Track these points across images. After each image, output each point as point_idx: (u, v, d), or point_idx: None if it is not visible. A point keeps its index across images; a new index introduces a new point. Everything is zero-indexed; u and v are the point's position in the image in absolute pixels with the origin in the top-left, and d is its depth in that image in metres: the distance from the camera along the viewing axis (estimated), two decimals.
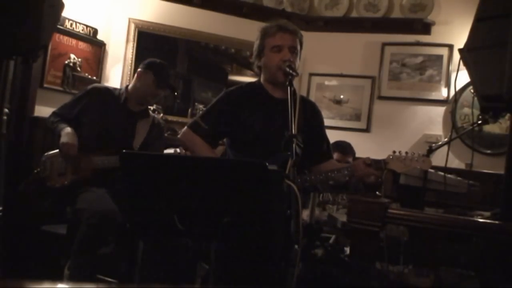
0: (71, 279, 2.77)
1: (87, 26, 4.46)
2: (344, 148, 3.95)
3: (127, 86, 3.34)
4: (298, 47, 2.59)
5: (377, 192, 2.94)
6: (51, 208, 3.09)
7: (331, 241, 3.43)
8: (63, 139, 2.99)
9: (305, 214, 3.17)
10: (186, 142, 2.70)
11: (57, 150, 3.06)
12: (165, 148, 3.37)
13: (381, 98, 5.05)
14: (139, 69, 3.29)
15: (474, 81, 2.69)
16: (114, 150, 3.01)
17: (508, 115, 3.44)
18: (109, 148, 3.06)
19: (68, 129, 3.04)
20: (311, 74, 5.26)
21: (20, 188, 3.08)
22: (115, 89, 3.36)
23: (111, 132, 3.16)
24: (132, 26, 4.80)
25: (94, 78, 4.51)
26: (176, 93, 3.66)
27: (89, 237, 2.76)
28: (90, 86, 3.35)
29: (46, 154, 3.07)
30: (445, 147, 3.38)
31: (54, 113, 3.20)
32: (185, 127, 2.69)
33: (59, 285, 0.64)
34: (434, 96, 4.84)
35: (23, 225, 3.41)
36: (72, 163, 3.02)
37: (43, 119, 3.40)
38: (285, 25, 2.58)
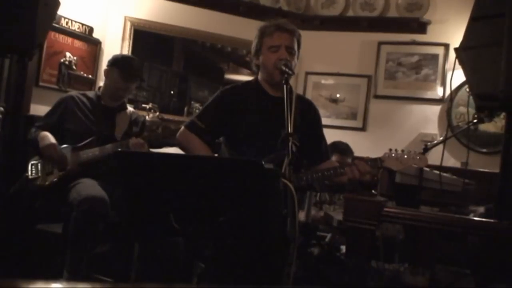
0: (70, 275, 2.77)
1: (82, 24, 4.45)
2: (343, 150, 3.95)
3: (100, 87, 3.45)
4: (296, 47, 2.59)
5: (373, 191, 2.95)
6: (44, 206, 3.09)
7: (327, 239, 3.43)
8: (41, 143, 3.06)
9: (302, 215, 3.18)
10: (183, 142, 2.69)
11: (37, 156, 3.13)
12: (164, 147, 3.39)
13: (377, 97, 5.06)
14: (105, 68, 3.38)
15: (469, 80, 2.70)
16: (98, 143, 3.11)
17: (503, 114, 3.45)
18: (93, 142, 3.13)
19: (43, 133, 3.11)
20: (307, 73, 5.27)
21: (11, 192, 3.10)
22: (90, 92, 3.47)
23: (93, 128, 3.22)
24: (128, 24, 4.79)
25: (90, 76, 4.50)
26: (143, 81, 3.76)
27: (83, 223, 2.77)
28: (65, 95, 3.43)
29: (31, 159, 3.12)
30: (441, 146, 3.39)
31: (34, 126, 3.25)
32: (182, 127, 2.69)
33: (53, 284, 0.64)
34: (429, 95, 4.86)
35: (18, 224, 3.40)
36: (58, 162, 3.06)
37: (39, 117, 3.41)
38: (283, 25, 2.58)
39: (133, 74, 3.32)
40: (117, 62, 3.32)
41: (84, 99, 3.32)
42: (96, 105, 3.31)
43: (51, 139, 3.07)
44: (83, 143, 3.12)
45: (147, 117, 3.44)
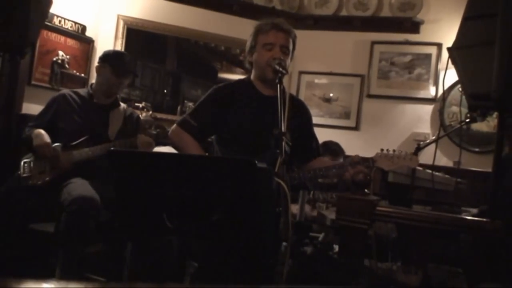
0: (62, 274, 2.76)
1: (75, 23, 4.44)
2: (334, 150, 3.96)
3: (92, 84, 3.39)
4: (290, 47, 2.59)
5: (365, 190, 2.95)
6: (36, 205, 3.06)
7: (320, 238, 3.44)
8: (35, 141, 3.01)
9: (295, 208, 3.17)
10: (175, 140, 2.69)
11: (31, 153, 3.10)
12: (156, 146, 3.37)
13: (370, 96, 5.07)
14: (96, 64, 3.34)
15: (462, 80, 2.71)
16: (91, 142, 3.08)
17: (496, 113, 3.47)
18: (86, 141, 3.11)
19: (38, 131, 3.07)
20: (301, 72, 5.27)
21: (2, 190, 3.07)
22: (82, 89, 3.42)
23: (86, 127, 3.18)
24: (121, 23, 4.78)
25: (82, 75, 4.48)
26: (136, 76, 3.69)
27: (73, 223, 2.74)
28: (57, 93, 3.38)
29: (24, 157, 3.09)
30: (433, 145, 3.40)
31: (27, 126, 3.22)
32: (174, 125, 2.68)
33: (44, 284, 0.64)
34: (422, 94, 4.87)
35: (10, 223, 3.37)
36: (50, 161, 3.04)
37: (31, 116, 3.39)
38: (279, 24, 2.58)
39: (125, 69, 3.28)
40: (108, 58, 3.28)
41: (76, 98, 3.28)
42: (88, 104, 3.28)
43: (45, 137, 3.04)
44: (76, 142, 3.10)
45: (140, 116, 3.42)
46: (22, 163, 3.07)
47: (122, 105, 3.45)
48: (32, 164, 3.06)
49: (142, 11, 4.85)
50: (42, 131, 3.08)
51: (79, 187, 2.90)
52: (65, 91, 3.40)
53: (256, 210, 1.70)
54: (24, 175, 3.03)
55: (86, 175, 3.05)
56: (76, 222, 2.75)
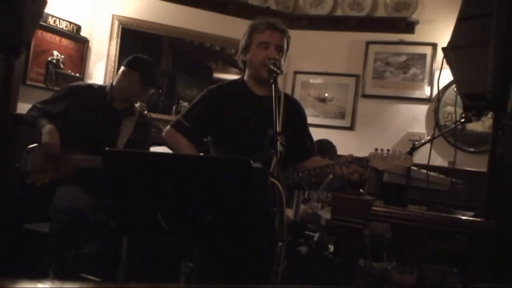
0: (55, 276, 2.75)
1: (70, 22, 4.43)
2: (325, 149, 3.95)
3: (111, 84, 3.23)
4: (285, 47, 2.59)
5: (361, 190, 2.95)
6: (31, 205, 3.03)
7: (315, 238, 3.44)
8: (45, 138, 2.89)
9: (290, 213, 3.18)
10: (169, 141, 2.67)
11: (37, 145, 2.98)
12: (152, 146, 3.34)
13: (365, 96, 5.08)
14: (124, 67, 3.16)
15: (457, 80, 2.71)
16: (97, 149, 2.87)
17: (490, 113, 3.48)
18: (92, 147, 2.96)
19: (50, 127, 2.94)
20: (296, 72, 5.27)
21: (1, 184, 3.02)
22: (100, 87, 3.26)
23: (95, 131, 3.05)
24: (116, 23, 4.77)
25: (77, 75, 4.47)
26: (161, 90, 3.53)
27: (61, 234, 2.70)
28: (73, 84, 3.25)
29: (28, 147, 2.98)
30: (428, 145, 3.41)
31: (35, 107, 3.07)
32: (168, 126, 2.67)
33: (39, 284, 0.64)
34: (417, 94, 4.89)
35: (5, 223, 3.36)
36: (53, 161, 2.95)
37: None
38: (275, 23, 2.58)
39: (154, 80, 3.18)
40: (139, 65, 3.13)
41: (93, 95, 3.14)
42: (105, 106, 3.13)
43: (56, 137, 2.91)
44: (82, 148, 2.98)
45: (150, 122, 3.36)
46: (26, 152, 2.97)
47: (137, 110, 3.31)
48: (34, 159, 2.95)
49: (137, 11, 4.84)
50: (54, 128, 2.94)
51: (71, 195, 2.83)
52: (82, 83, 3.25)
53: (251, 210, 1.70)
54: (24, 170, 2.94)
55: (84, 180, 2.97)
56: (64, 232, 2.71)
